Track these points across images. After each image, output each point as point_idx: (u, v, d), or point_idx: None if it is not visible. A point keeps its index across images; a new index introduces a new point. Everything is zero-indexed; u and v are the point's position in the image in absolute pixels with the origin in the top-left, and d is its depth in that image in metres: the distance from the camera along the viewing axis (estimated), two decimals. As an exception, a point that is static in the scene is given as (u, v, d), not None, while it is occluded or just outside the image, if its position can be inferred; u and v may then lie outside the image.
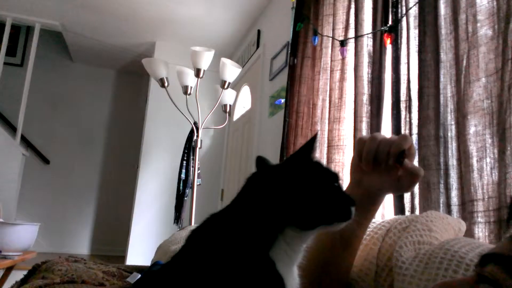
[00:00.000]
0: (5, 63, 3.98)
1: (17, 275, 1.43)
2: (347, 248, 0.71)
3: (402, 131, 1.34)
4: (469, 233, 0.97)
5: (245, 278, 0.44)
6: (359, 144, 0.64)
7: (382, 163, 0.61)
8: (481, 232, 0.97)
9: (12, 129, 4.43)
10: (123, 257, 4.03)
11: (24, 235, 2.46)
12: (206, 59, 2.57)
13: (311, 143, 0.51)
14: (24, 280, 1.18)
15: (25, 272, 1.23)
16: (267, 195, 0.49)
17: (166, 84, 2.71)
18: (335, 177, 0.52)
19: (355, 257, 0.74)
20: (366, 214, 0.69)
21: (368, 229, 0.82)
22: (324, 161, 1.78)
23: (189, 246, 0.51)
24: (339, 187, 0.52)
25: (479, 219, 0.99)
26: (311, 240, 0.52)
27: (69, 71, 5.18)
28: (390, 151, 0.60)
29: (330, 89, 1.83)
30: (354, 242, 0.71)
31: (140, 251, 3.83)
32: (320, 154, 1.81)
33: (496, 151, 0.97)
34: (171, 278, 0.48)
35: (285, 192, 0.48)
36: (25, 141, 4.66)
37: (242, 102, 3.95)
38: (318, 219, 0.48)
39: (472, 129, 1.05)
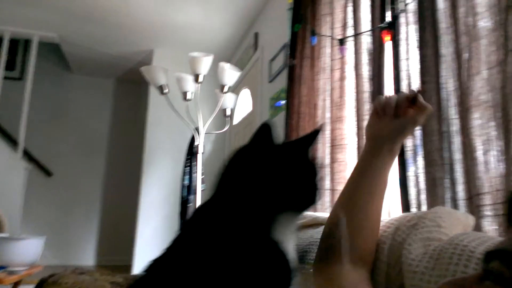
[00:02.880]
0: (4, 77, 3.99)
1: (24, 290, 1.42)
2: (375, 195, 0.77)
3: (405, 128, 1.33)
4: (478, 227, 0.96)
5: (256, 257, 0.47)
6: (379, 100, 0.78)
7: (402, 106, 0.74)
8: (490, 225, 0.96)
9: (13, 143, 4.42)
10: (129, 267, 4.01)
11: (30, 250, 2.45)
12: (205, 64, 2.56)
13: (314, 136, 0.55)
14: (31, 294, 1.17)
15: (32, 287, 1.23)
16: (270, 179, 0.51)
17: (165, 91, 2.70)
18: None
19: (381, 207, 0.79)
20: (390, 156, 0.77)
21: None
22: (327, 161, 1.78)
23: (186, 234, 0.53)
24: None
25: (487, 213, 0.97)
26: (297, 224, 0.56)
27: (68, 82, 5.19)
28: (407, 96, 0.74)
29: (331, 89, 1.82)
30: (380, 189, 0.77)
31: (147, 260, 3.78)
32: (323, 154, 1.81)
33: (501, 143, 0.96)
34: (176, 269, 0.49)
35: (290, 180, 0.51)
36: (27, 154, 4.65)
37: (242, 105, 3.95)
38: (309, 204, 0.54)
39: (476, 122, 1.04)
